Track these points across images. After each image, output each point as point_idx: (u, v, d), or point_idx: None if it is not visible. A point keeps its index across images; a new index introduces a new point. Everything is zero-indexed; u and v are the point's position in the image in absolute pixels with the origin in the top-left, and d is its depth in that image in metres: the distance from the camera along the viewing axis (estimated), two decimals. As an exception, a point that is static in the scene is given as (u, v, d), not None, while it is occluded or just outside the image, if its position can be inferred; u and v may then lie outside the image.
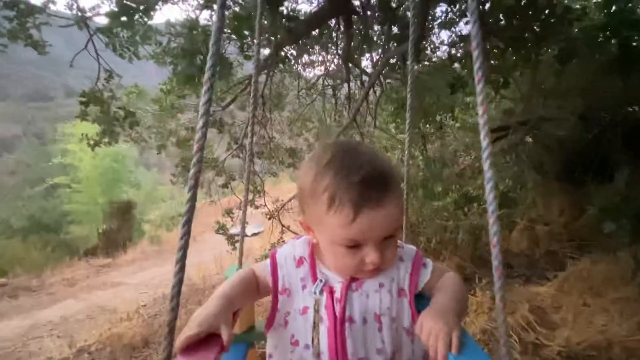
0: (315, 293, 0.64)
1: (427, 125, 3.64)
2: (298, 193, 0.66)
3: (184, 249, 0.47)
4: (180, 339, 0.52)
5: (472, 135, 4.11)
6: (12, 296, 6.38)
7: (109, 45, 3.01)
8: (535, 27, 2.17)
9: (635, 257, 1.37)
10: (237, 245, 4.31)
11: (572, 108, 2.88)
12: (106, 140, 3.43)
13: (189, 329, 0.53)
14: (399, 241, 0.69)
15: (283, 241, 3.81)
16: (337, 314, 0.62)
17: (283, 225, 3.60)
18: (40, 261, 8.73)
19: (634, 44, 2.15)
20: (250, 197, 4.76)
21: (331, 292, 0.64)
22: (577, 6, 2.32)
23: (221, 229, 3.79)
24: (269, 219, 3.68)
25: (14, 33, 3.10)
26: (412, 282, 0.66)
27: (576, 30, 2.08)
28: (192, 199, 0.47)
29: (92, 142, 3.51)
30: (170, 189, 13.73)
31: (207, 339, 0.54)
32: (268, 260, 0.71)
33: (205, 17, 3.41)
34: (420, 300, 0.67)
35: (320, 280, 0.65)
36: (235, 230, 4.32)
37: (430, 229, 3.29)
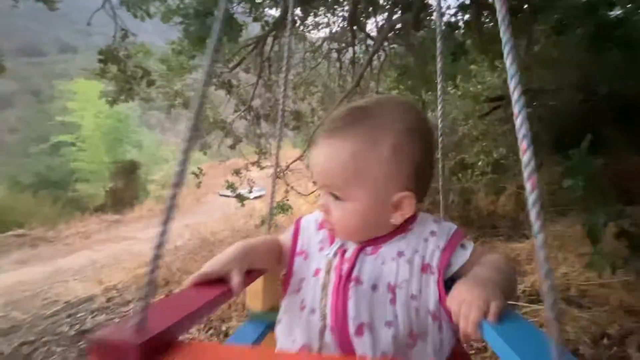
0: (329, 254, 0.59)
1: (428, 93, 3.75)
2: None
3: (175, 196, 0.40)
4: (189, 278, 0.52)
5: (473, 103, 4.24)
6: (32, 245, 6.84)
7: (122, 3, 3.05)
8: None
9: (587, 219, 1.62)
10: (246, 203, 4.56)
11: (568, 79, 3.01)
12: (123, 98, 3.56)
13: (204, 267, 0.53)
14: (433, 216, 0.63)
15: (287, 200, 4.09)
16: (344, 272, 0.56)
17: (287, 184, 3.85)
18: (53, 215, 9.14)
19: (635, 18, 2.25)
20: (255, 158, 5.00)
21: (343, 253, 0.59)
22: None
23: (230, 187, 4.05)
24: (275, 178, 3.90)
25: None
26: (442, 259, 0.55)
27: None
28: (184, 164, 0.40)
29: (110, 99, 3.64)
30: (174, 150, 13.90)
31: (216, 283, 0.52)
32: (292, 226, 0.69)
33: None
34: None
35: (336, 243, 0.60)
36: (242, 190, 4.60)
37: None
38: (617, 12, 2.26)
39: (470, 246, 0.58)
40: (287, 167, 3.75)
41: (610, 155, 2.83)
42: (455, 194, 3.53)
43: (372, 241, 0.59)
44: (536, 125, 3.65)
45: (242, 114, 4.15)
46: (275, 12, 3.26)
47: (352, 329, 0.52)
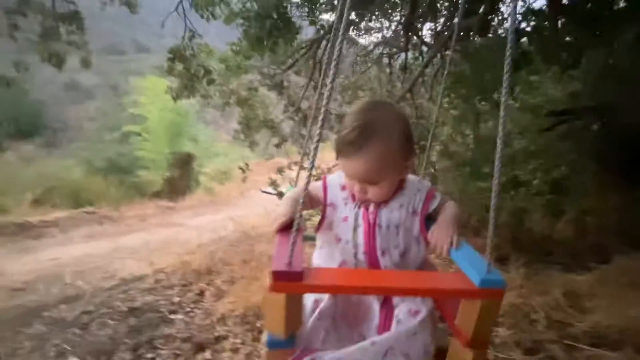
0: (355, 207, 0.93)
1: (483, 103, 3.54)
2: None
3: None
4: (274, 226, 0.84)
5: (531, 117, 3.91)
6: (99, 223, 7.65)
7: (193, 6, 3.32)
8: (614, 6, 2.01)
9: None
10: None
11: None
12: (186, 94, 3.88)
13: (278, 218, 0.85)
14: (415, 177, 1.00)
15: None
16: (371, 222, 0.91)
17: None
18: (118, 197, 10.15)
19: None
20: (299, 159, 5.09)
21: (367, 207, 0.93)
22: None
23: (272, 184, 4.18)
24: (316, 180, 3.97)
25: (111, -8, 3.52)
26: (424, 207, 0.94)
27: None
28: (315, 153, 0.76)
29: (174, 95, 3.98)
30: (225, 146, 14.70)
31: (290, 226, 0.81)
32: (320, 182, 1.00)
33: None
34: (429, 223, 0.95)
35: (358, 200, 0.93)
36: (284, 188, 4.73)
37: (472, 208, 3.35)
38: None
39: (438, 196, 0.96)
40: (329, 170, 3.78)
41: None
42: (506, 214, 3.28)
43: (385, 200, 0.93)
44: (605, 145, 3.26)
45: (291, 114, 4.28)
46: (330, 17, 3.32)
47: (379, 252, 0.91)
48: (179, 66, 3.61)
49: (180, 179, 11.93)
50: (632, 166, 3.07)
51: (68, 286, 3.87)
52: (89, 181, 10.96)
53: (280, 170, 4.44)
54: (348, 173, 0.90)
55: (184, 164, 12.20)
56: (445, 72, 1.56)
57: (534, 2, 3.35)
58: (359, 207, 0.93)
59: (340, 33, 0.76)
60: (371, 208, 0.93)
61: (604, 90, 3.21)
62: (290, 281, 0.70)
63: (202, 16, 3.34)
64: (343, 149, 0.88)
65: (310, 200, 0.96)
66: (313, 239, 1.07)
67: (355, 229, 0.91)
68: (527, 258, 2.78)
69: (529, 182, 3.55)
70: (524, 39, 2.96)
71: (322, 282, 0.74)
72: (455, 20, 3.45)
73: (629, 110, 3.01)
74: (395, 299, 0.90)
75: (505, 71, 0.95)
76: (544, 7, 2.44)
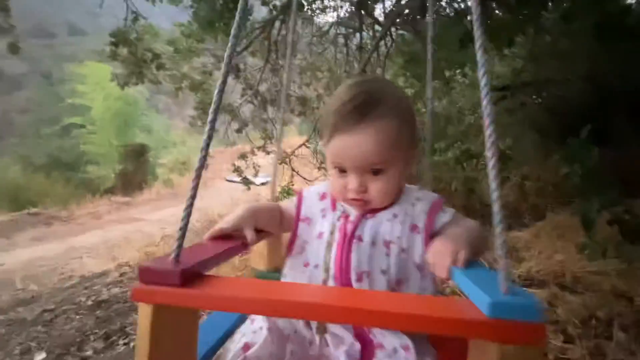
0: (334, 218, 0.69)
1: (435, 80, 3.74)
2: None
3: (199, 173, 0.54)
4: (210, 232, 0.62)
5: (480, 93, 4.20)
6: (47, 224, 7.09)
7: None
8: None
9: (582, 207, 1.66)
10: (252, 189, 4.68)
11: (577, 71, 2.98)
12: (134, 80, 3.63)
13: (222, 224, 0.63)
14: (417, 187, 0.74)
15: (292, 184, 4.18)
16: (348, 232, 0.66)
17: (293, 170, 3.93)
18: (65, 196, 9.40)
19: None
20: (261, 143, 5.06)
21: (346, 217, 0.68)
22: None
23: (236, 171, 4.14)
24: (280, 164, 4.00)
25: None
26: (428, 221, 0.66)
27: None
28: (209, 139, 0.54)
29: (121, 82, 3.71)
30: (181, 134, 14.04)
31: (231, 237, 0.61)
32: (296, 197, 0.77)
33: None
34: None
35: (339, 209, 0.70)
36: (249, 175, 4.69)
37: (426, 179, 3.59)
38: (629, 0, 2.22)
39: (450, 211, 0.69)
40: (292, 152, 3.82)
41: (619, 147, 2.83)
42: (459, 183, 3.57)
43: (370, 210, 0.68)
44: (543, 116, 3.63)
45: (249, 98, 4.20)
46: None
47: (353, 276, 0.64)
48: (124, 51, 3.33)
49: (135, 172, 11.28)
50: (568, 135, 3.45)
51: (20, 291, 3.62)
52: (29, 180, 10.00)
53: (243, 156, 4.38)
54: (345, 157, 0.64)
55: (138, 155, 11.51)
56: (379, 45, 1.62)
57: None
58: (339, 218, 0.69)
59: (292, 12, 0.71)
60: (352, 216, 0.68)
61: (540, 67, 3.54)
62: (163, 284, 0.46)
63: (146, -1, 3.10)
64: (339, 122, 0.63)
65: (279, 216, 0.74)
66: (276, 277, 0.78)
67: (328, 246, 0.67)
68: (478, 221, 3.08)
69: (480, 154, 3.87)
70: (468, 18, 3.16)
71: (217, 290, 0.47)
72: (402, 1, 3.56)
73: (561, 84, 3.37)
74: (376, 355, 0.59)
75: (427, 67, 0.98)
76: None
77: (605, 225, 1.84)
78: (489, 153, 0.46)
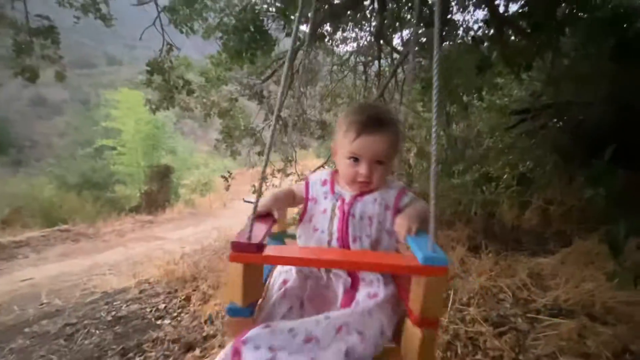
0: (333, 199, 1.01)
1: (453, 105, 3.78)
2: (335, 130, 1.07)
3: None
4: (254, 214, 0.89)
5: (498, 116, 4.20)
6: (74, 240, 7.38)
7: (172, 22, 3.39)
8: (557, 14, 2.27)
9: (608, 231, 1.60)
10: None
11: (598, 93, 2.95)
12: (165, 105, 3.90)
13: (257, 209, 0.91)
14: (392, 178, 1.08)
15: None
16: (345, 211, 0.98)
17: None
18: (93, 214, 9.81)
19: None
20: (280, 165, 5.19)
21: (343, 199, 1.00)
22: None
23: (255, 192, 4.23)
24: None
25: (86, 7, 3.54)
26: (396, 202, 1.00)
27: (598, 14, 2.16)
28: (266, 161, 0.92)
29: (153, 107, 3.99)
30: (205, 157, 14.55)
31: (265, 216, 0.96)
32: (304, 182, 1.09)
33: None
34: None
35: (337, 193, 1.02)
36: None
37: (446, 202, 3.54)
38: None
39: (410, 195, 1.03)
40: (312, 172, 3.88)
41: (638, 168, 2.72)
42: (478, 206, 3.50)
43: (360, 193, 1.01)
44: (565, 139, 3.56)
45: (272, 123, 4.37)
46: (306, 28, 3.47)
47: (351, 239, 0.97)
48: (158, 78, 3.63)
49: (159, 192, 11.68)
50: (590, 157, 3.34)
51: (45, 305, 3.75)
52: (62, 198, 10.54)
53: (263, 179, 4.49)
54: (365, 150, 0.95)
55: (162, 176, 11.97)
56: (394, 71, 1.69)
57: (474, 11, 3.65)
58: (337, 200, 1.00)
59: (290, 50, 0.87)
60: (347, 199, 1.00)
61: (559, 90, 3.52)
62: (248, 252, 0.77)
63: (181, 31, 3.40)
64: (367, 125, 0.94)
65: (292, 198, 1.06)
66: (291, 237, 1.15)
67: (331, 219, 0.99)
68: (498, 246, 2.99)
69: (499, 177, 3.80)
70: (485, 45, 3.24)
71: (277, 254, 0.80)
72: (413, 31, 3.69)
73: (581, 106, 3.32)
74: (360, 285, 0.96)
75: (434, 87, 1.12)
76: (487, 17, 2.70)
77: (635, 251, 1.75)
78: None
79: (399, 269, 0.83)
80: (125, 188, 12.09)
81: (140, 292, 3.60)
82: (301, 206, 1.06)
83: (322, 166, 4.16)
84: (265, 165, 0.92)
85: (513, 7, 2.96)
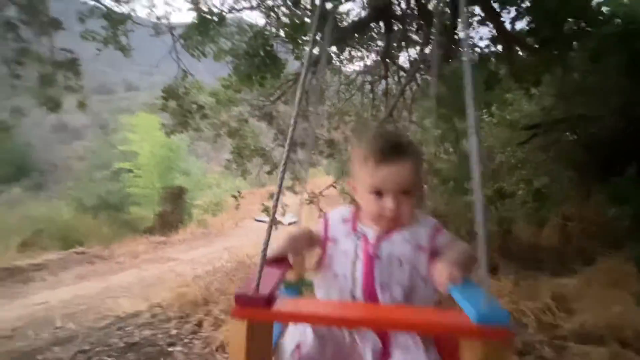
0: (356, 239, 0.88)
1: (462, 121, 3.76)
2: (351, 164, 0.96)
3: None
4: (267, 258, 0.75)
5: (509, 131, 4.15)
6: (90, 262, 7.47)
7: (185, 48, 3.56)
8: (564, 29, 2.27)
9: (636, 250, 1.52)
10: (280, 228, 4.81)
11: (610, 107, 2.89)
12: (179, 129, 4.03)
13: (269, 253, 0.78)
14: (420, 212, 0.93)
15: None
16: (370, 253, 0.85)
17: (321, 210, 3.97)
18: (109, 235, 9.98)
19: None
20: (290, 183, 5.22)
21: (366, 239, 0.87)
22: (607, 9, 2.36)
23: (266, 210, 4.26)
24: (309, 203, 4.08)
25: (107, 40, 3.74)
26: (431, 241, 0.86)
27: (608, 28, 2.15)
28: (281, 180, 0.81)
29: (168, 131, 4.13)
30: (217, 178, 14.75)
31: (279, 260, 0.82)
32: (322, 220, 0.97)
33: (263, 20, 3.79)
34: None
35: (359, 231, 0.89)
36: (277, 215, 4.80)
37: (459, 221, 3.46)
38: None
39: (446, 233, 0.90)
40: (320, 192, 3.89)
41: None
42: (494, 224, 3.40)
43: (386, 231, 0.88)
44: (579, 153, 3.47)
45: (281, 142, 4.44)
46: (315, 50, 3.57)
47: (378, 286, 0.83)
48: (173, 103, 3.78)
49: (172, 213, 11.84)
50: (606, 171, 3.25)
51: (59, 330, 3.76)
52: (79, 221, 10.80)
53: (272, 196, 4.52)
54: (388, 181, 0.84)
55: (176, 198, 12.16)
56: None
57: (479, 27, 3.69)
58: (359, 239, 0.87)
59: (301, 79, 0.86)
60: (371, 240, 0.87)
61: (570, 104, 3.47)
62: (254, 307, 0.63)
63: (193, 55, 3.56)
64: (387, 153, 0.83)
65: (310, 238, 0.92)
66: (310, 285, 1.00)
67: (354, 262, 0.86)
68: (517, 265, 2.87)
69: (513, 193, 3.71)
70: (492, 61, 3.24)
71: (290, 309, 0.66)
72: (425, 49, 3.74)
73: (594, 120, 3.26)
74: (393, 349, 0.80)
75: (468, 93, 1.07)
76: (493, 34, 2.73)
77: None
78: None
79: (444, 330, 0.66)
80: (140, 209, 12.32)
81: (152, 316, 3.57)
82: (319, 249, 0.93)
83: (333, 185, 4.15)
84: (278, 196, 0.82)
85: (519, 24, 2.98)
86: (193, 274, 5.32)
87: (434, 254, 0.84)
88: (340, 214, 0.96)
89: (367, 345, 0.81)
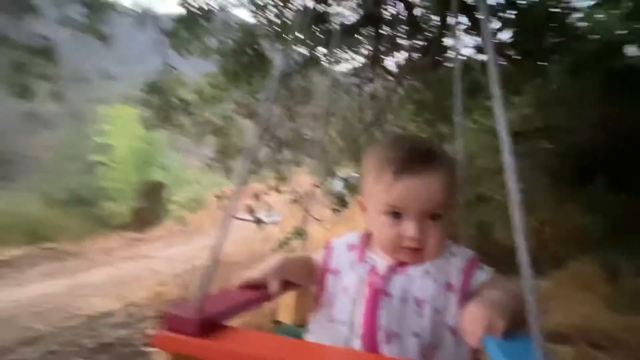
0: (360, 269, 0.67)
1: (445, 126, 3.86)
2: (362, 177, 0.73)
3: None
4: (240, 280, 0.63)
5: (490, 138, 4.29)
6: (59, 259, 7.13)
7: (173, 45, 3.44)
8: (543, 42, 2.38)
9: (605, 257, 1.62)
10: (263, 225, 4.76)
11: (587, 117, 3.05)
12: (160, 124, 3.89)
13: (250, 274, 0.64)
14: (453, 242, 0.70)
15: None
16: (376, 287, 0.63)
17: (307, 210, 3.95)
18: (80, 231, 9.54)
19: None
20: (274, 183, 5.17)
21: (374, 270, 0.66)
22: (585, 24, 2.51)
23: (248, 210, 4.20)
24: (294, 202, 4.07)
25: (86, 27, 3.57)
26: (465, 280, 0.63)
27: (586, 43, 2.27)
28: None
29: (148, 126, 3.98)
30: (197, 173, 14.41)
31: (257, 287, 0.62)
32: (324, 248, 0.76)
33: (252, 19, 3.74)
34: None
35: (367, 261, 0.68)
36: (263, 216, 4.76)
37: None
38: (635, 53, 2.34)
39: (488, 270, 0.66)
40: (307, 193, 3.87)
41: (636, 194, 2.79)
42: (472, 228, 3.51)
43: (401, 262, 0.66)
44: (555, 161, 3.65)
45: (266, 141, 4.40)
46: (303, 50, 3.56)
47: (382, 337, 0.61)
48: (155, 98, 3.65)
49: (149, 209, 11.49)
50: (581, 179, 3.42)
51: (26, 329, 3.57)
52: (47, 215, 10.25)
53: (256, 196, 4.47)
54: (410, 199, 0.62)
55: (153, 193, 11.81)
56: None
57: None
58: (366, 272, 0.66)
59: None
60: (381, 270, 0.65)
61: (549, 114, 3.64)
62: (182, 332, 0.46)
63: (179, 54, 3.45)
64: (410, 163, 0.63)
65: (310, 268, 0.72)
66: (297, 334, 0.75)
67: (354, 302, 0.64)
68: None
69: (492, 197, 3.85)
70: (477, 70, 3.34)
71: (235, 343, 0.47)
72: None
73: (570, 131, 3.43)
74: None
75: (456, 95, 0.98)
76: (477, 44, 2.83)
77: (632, 276, 1.77)
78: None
79: None
80: (115, 204, 11.85)
81: (128, 315, 3.47)
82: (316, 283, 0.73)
83: (316, 186, 4.15)
84: (239, 194, 0.62)
85: (503, 35, 3.10)
86: (171, 272, 5.18)
87: (469, 296, 0.60)
88: (346, 241, 0.75)
89: None
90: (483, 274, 0.65)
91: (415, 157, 0.64)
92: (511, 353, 0.43)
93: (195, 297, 0.49)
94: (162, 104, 3.69)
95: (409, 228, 0.62)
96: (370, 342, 0.61)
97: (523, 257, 0.43)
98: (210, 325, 0.48)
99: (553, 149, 3.58)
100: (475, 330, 0.49)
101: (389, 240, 0.65)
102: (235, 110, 4.59)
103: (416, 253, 0.64)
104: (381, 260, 0.67)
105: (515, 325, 0.48)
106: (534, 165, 3.68)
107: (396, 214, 0.64)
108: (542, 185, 3.54)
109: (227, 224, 0.56)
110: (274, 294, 0.63)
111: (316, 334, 0.70)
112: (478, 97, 3.32)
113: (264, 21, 3.43)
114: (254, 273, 0.64)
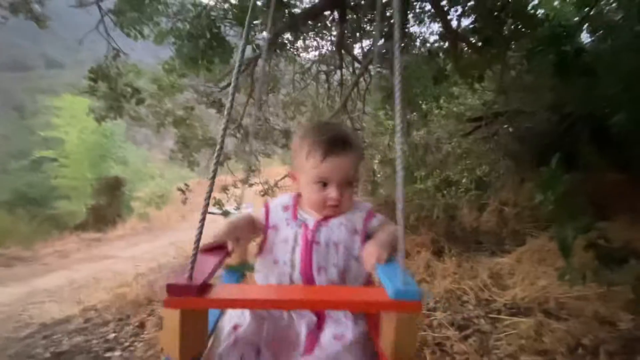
0: (296, 226, 0.91)
1: (413, 114, 3.92)
2: (291, 152, 0.99)
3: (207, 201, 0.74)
4: (203, 245, 0.78)
5: (455, 124, 4.43)
6: (7, 265, 6.51)
7: (118, 25, 3.12)
8: (504, 30, 2.45)
9: (558, 233, 1.72)
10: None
11: (543, 102, 3.21)
12: (112, 115, 3.57)
13: (208, 240, 0.82)
14: (358, 198, 1.00)
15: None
16: (309, 239, 0.88)
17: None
18: (29, 234, 8.78)
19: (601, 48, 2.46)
20: (242, 175, 5.02)
21: (306, 226, 0.90)
22: (542, 11, 2.62)
23: (217, 204, 4.04)
24: (263, 195, 3.96)
25: (15, 6, 3.17)
26: (364, 226, 0.91)
27: (542, 29, 2.36)
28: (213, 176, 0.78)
29: (99, 116, 3.64)
30: (160, 166, 13.72)
31: (218, 247, 0.83)
32: (263, 208, 0.97)
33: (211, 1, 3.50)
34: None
35: (299, 219, 0.92)
36: (229, 207, 4.59)
37: (409, 208, 3.63)
38: (586, 39, 2.47)
39: (379, 216, 0.95)
40: (276, 183, 3.79)
41: (587, 173, 3.01)
42: (440, 210, 3.62)
43: (325, 217, 0.92)
44: (516, 144, 3.84)
45: (232, 131, 4.22)
46: (266, 35, 3.39)
47: (315, 269, 0.88)
48: (103, 86, 3.31)
49: (109, 206, 10.77)
50: (539, 161, 3.61)
51: (-31, 343, 3.23)
52: (-10, 218, 9.32)
53: (224, 189, 4.31)
54: (334, 173, 0.89)
55: (112, 189, 11.06)
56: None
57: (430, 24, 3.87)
58: (300, 227, 0.91)
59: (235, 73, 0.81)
60: (311, 226, 0.91)
61: (509, 99, 3.80)
62: (187, 295, 0.64)
63: (128, 35, 3.14)
64: (333, 147, 0.88)
65: (253, 225, 0.94)
66: (252, 268, 1.02)
67: (293, 249, 0.89)
68: (460, 248, 3.11)
69: (458, 181, 3.99)
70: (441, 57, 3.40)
71: (224, 297, 0.68)
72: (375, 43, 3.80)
73: (529, 115, 3.60)
74: (326, 324, 0.86)
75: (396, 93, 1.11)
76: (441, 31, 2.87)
77: (582, 248, 1.89)
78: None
79: (366, 307, 0.74)
80: (69, 203, 11.02)
81: (86, 321, 3.22)
82: (260, 236, 0.95)
83: (288, 176, 4.08)
84: (211, 188, 0.76)
85: (465, 22, 3.16)
86: (134, 272, 4.90)
87: (368, 236, 0.90)
88: (281, 202, 0.98)
89: (302, 322, 0.86)
90: (376, 221, 0.93)
91: (337, 142, 0.89)
92: (388, 271, 0.73)
93: (188, 269, 0.66)
94: (111, 92, 3.37)
95: (333, 192, 0.89)
96: (307, 274, 0.87)
97: (399, 209, 0.69)
98: (204, 286, 0.66)
99: (514, 133, 3.76)
100: (370, 260, 0.80)
101: (318, 201, 0.91)
102: (197, 99, 4.35)
103: (335, 209, 0.91)
104: (310, 217, 0.93)
105: (392, 254, 0.79)
106: (496, 148, 3.86)
107: (323, 183, 0.90)
108: (504, 167, 3.72)
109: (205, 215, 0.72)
110: (232, 251, 0.84)
111: (263, 271, 0.94)
112: (443, 83, 3.39)
113: (222, 2, 3.22)
114: (214, 237, 0.84)
